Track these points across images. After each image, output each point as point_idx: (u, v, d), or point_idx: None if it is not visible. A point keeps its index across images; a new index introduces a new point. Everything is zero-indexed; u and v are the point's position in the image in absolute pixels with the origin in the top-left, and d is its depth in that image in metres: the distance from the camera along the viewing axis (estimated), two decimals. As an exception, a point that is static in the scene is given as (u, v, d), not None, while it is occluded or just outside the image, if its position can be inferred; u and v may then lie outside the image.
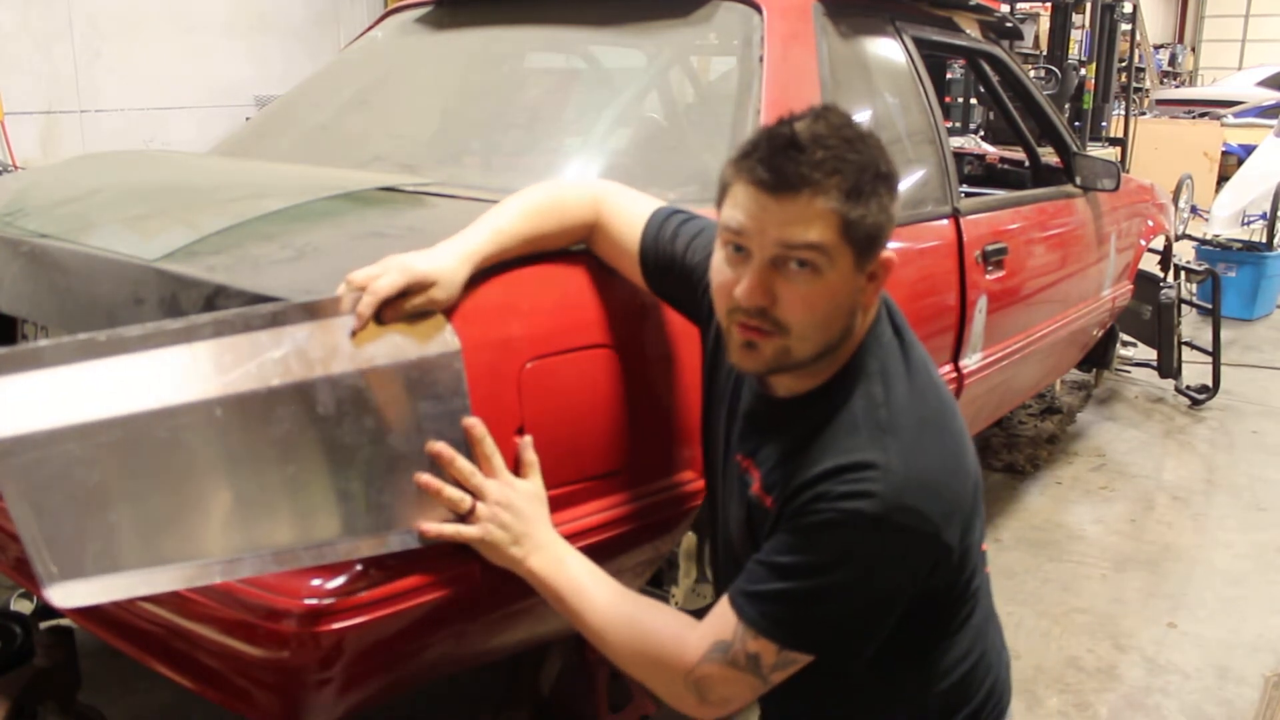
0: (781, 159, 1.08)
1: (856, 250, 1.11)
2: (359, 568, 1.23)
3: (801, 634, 1.13)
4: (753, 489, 1.21)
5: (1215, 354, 4.53)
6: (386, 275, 1.21)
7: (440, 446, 1.22)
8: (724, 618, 1.16)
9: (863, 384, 1.16)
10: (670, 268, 1.38)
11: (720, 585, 1.36)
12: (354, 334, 1.19)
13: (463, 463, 1.23)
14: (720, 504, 1.36)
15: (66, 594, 1.11)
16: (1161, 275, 4.35)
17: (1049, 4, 7.60)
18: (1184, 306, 4.73)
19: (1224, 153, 10.11)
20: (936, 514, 1.10)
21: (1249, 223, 6.73)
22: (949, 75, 7.12)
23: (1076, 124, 7.43)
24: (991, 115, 6.93)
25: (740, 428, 1.28)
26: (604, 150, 2.06)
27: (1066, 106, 7.28)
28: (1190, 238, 6.21)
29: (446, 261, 1.26)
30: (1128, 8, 8.32)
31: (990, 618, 1.32)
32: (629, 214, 1.42)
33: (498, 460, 1.26)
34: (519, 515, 1.26)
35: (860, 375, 1.16)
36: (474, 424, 1.24)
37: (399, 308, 1.21)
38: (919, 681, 1.25)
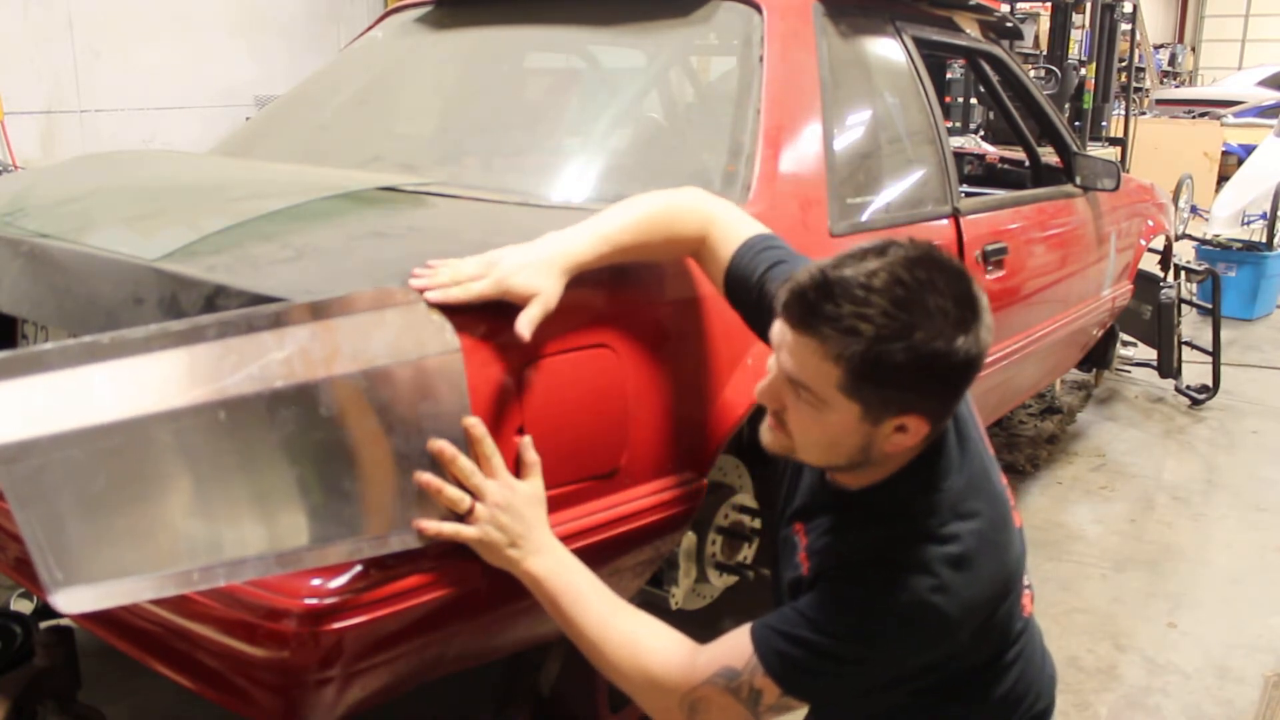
0: (808, 297, 1.09)
1: (863, 406, 1.10)
2: (359, 568, 1.23)
3: (806, 686, 1.18)
4: (799, 555, 1.26)
5: (1215, 354, 4.53)
6: (481, 284, 1.26)
7: (441, 444, 1.22)
8: (740, 646, 1.19)
9: (921, 490, 1.18)
10: (750, 292, 1.39)
11: None
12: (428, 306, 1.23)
13: (463, 462, 1.23)
14: (778, 553, 1.40)
15: (71, 600, 1.11)
16: (1161, 275, 4.35)
17: (1049, 4, 7.60)
18: (1184, 306, 4.73)
19: (1224, 153, 10.11)
20: (959, 616, 1.14)
21: (1249, 223, 6.74)
22: (949, 75, 7.11)
23: (1076, 124, 7.43)
24: (991, 115, 6.93)
25: (801, 500, 1.32)
26: (604, 150, 2.06)
27: (1066, 106, 7.27)
28: (1190, 238, 6.21)
29: (544, 280, 1.28)
30: (1128, 8, 8.32)
31: (1030, 643, 1.35)
32: (729, 236, 1.43)
33: (497, 460, 1.26)
34: (517, 517, 1.26)
35: (920, 481, 1.19)
36: (474, 424, 1.24)
37: (532, 321, 1.26)
38: (962, 710, 1.29)
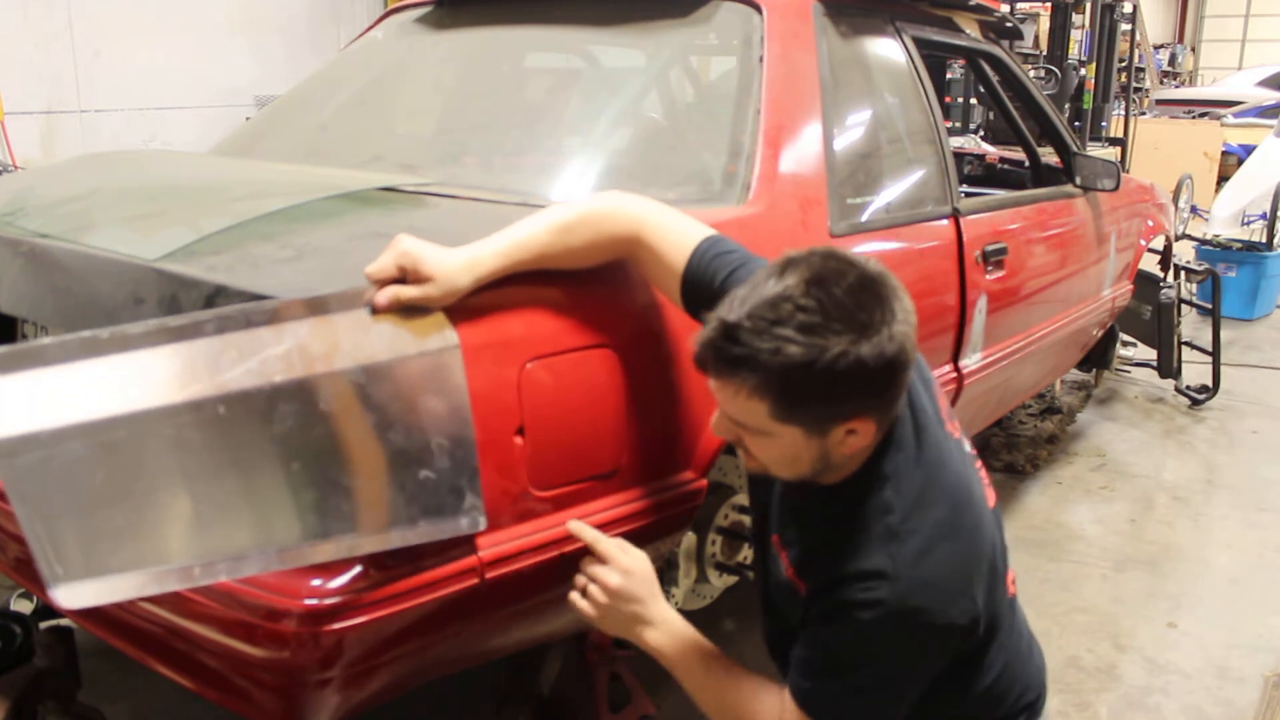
0: (715, 345, 1.13)
1: (803, 427, 1.15)
2: (359, 568, 1.23)
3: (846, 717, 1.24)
4: (785, 573, 1.30)
5: (1215, 354, 4.53)
6: (383, 256, 1.25)
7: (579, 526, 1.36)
8: (790, 704, 1.25)
9: (876, 488, 1.21)
10: (710, 300, 1.35)
11: (764, 626, 1.45)
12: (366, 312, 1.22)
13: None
14: (763, 563, 1.43)
15: (72, 595, 1.11)
16: (1161, 275, 4.35)
17: (1049, 4, 7.60)
18: (1184, 306, 4.73)
19: (1224, 153, 10.11)
20: (946, 606, 1.18)
21: (1249, 223, 6.73)
22: (949, 75, 7.11)
23: (1076, 124, 7.43)
24: (991, 115, 6.93)
25: (777, 505, 1.36)
26: (604, 150, 2.06)
27: (1066, 106, 7.27)
28: (1190, 238, 6.21)
29: (450, 264, 1.26)
30: (1128, 8, 8.32)
31: (1014, 630, 1.37)
32: (675, 240, 1.40)
33: (604, 546, 1.34)
34: (633, 598, 1.33)
35: (875, 479, 1.22)
36: (580, 528, 1.36)
37: (395, 296, 1.23)
38: (948, 702, 1.31)
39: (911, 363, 1.16)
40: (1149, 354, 4.44)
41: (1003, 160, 4.24)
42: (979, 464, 1.36)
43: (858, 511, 1.21)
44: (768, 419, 1.14)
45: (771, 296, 1.11)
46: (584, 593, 1.35)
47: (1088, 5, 7.67)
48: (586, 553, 1.36)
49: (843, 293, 1.10)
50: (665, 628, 1.34)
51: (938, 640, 1.20)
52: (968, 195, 2.74)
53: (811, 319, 1.09)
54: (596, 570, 1.33)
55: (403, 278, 1.24)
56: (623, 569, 1.33)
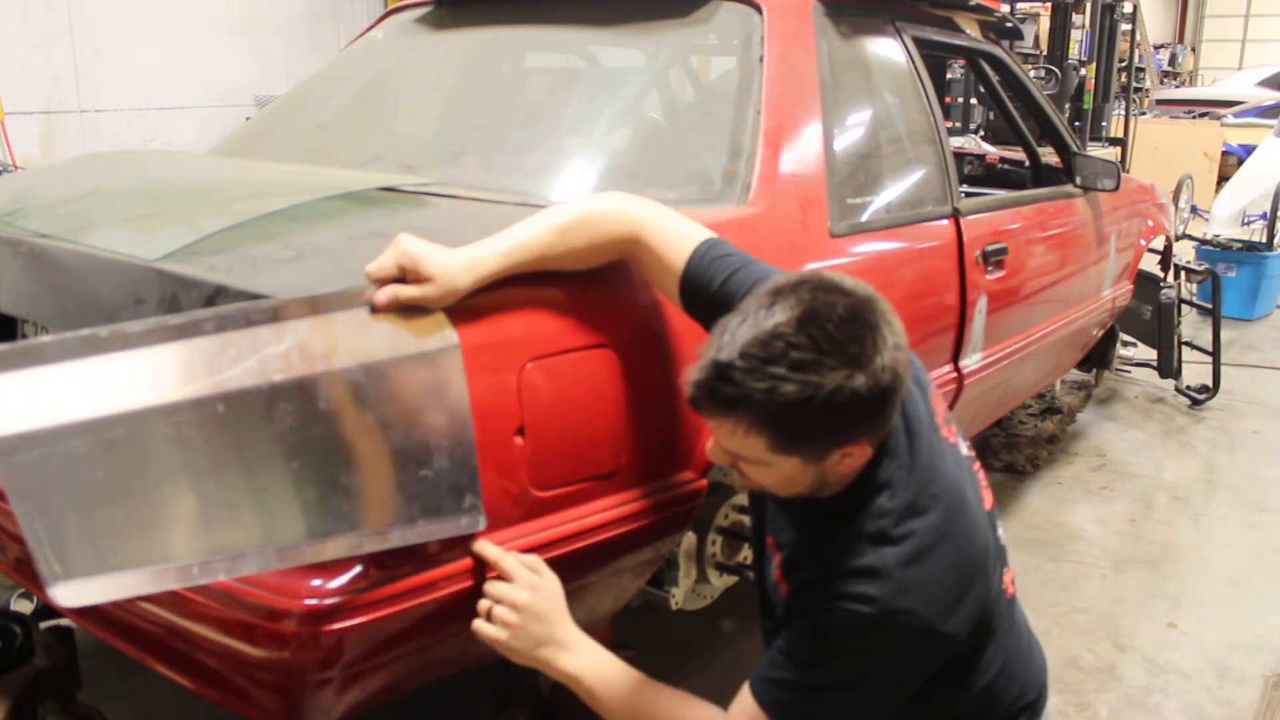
0: (709, 385, 1.13)
1: (800, 456, 1.16)
2: (359, 568, 1.23)
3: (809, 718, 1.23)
4: (774, 573, 1.31)
5: (1215, 354, 4.53)
6: (383, 255, 1.25)
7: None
8: (748, 703, 1.24)
9: (870, 495, 1.22)
10: (708, 303, 1.36)
11: (764, 628, 1.43)
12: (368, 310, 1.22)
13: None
14: (760, 564, 1.43)
15: (71, 593, 1.11)
16: (1161, 275, 4.35)
17: (1049, 4, 7.60)
18: (1184, 306, 4.73)
19: (1224, 153, 10.11)
20: (935, 612, 1.18)
21: (1249, 223, 6.73)
22: (949, 75, 7.11)
23: (1076, 124, 7.43)
24: (991, 115, 6.93)
25: (772, 507, 1.36)
26: (604, 150, 2.06)
27: (1066, 106, 7.27)
28: (1190, 238, 6.21)
29: (451, 265, 1.26)
30: (1128, 8, 8.32)
31: (1013, 630, 1.37)
32: (674, 241, 1.40)
33: (508, 564, 1.30)
34: (541, 618, 1.30)
35: (869, 487, 1.22)
36: (484, 545, 1.30)
37: (394, 295, 1.22)
38: (945, 705, 1.31)
39: (904, 385, 1.16)
40: (1149, 354, 4.44)
41: (1003, 160, 4.24)
42: (977, 465, 1.36)
43: (851, 517, 1.21)
44: (765, 452, 1.15)
45: (763, 334, 1.10)
46: (489, 617, 1.29)
47: (1088, 5, 7.67)
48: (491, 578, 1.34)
49: (834, 326, 1.10)
50: (579, 650, 1.31)
51: (920, 645, 1.20)
52: (968, 195, 2.74)
53: (804, 356, 1.09)
54: (502, 589, 1.28)
55: (403, 277, 1.24)
56: (531, 585, 1.29)
